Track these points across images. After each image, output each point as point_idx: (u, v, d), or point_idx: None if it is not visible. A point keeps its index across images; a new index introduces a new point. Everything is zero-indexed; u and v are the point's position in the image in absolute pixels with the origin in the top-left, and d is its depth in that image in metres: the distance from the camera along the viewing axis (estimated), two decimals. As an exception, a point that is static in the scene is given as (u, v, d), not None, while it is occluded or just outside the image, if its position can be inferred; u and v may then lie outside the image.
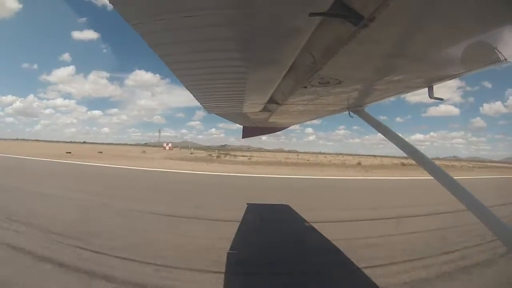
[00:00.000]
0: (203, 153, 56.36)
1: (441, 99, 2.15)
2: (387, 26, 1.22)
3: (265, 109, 3.41)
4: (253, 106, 3.23)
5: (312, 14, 1.13)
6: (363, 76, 2.04)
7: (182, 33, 1.34)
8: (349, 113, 3.16)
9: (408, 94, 2.53)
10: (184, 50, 1.55)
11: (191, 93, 2.44)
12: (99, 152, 44.68)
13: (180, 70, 1.88)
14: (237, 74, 1.95)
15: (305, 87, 2.23)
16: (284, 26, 1.27)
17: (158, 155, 43.46)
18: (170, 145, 71.89)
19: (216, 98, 2.77)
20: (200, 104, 3.02)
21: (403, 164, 40.60)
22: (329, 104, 3.08)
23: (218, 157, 44.34)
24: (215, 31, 1.32)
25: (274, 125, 5.54)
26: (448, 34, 1.33)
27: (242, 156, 52.71)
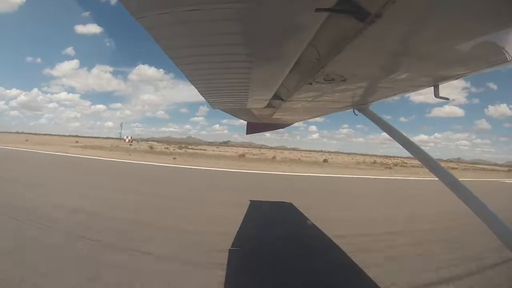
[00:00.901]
0: (144, 145, 59.34)
1: (447, 99, 2.13)
2: (394, 23, 1.21)
3: (269, 105, 3.41)
4: (257, 101, 3.23)
5: (318, 10, 1.12)
6: (368, 73, 2.02)
7: (188, 27, 1.34)
8: (353, 111, 3.14)
9: (413, 93, 2.50)
10: (189, 44, 1.55)
11: (195, 87, 2.45)
12: (26, 140, 52.59)
13: (185, 64, 1.88)
14: (242, 69, 1.95)
15: (310, 83, 2.22)
16: (290, 21, 1.26)
17: (88, 144, 48.81)
18: (129, 137, 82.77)
19: (221, 93, 2.78)
20: (205, 99, 3.02)
21: (324, 160, 42.80)
22: (333, 101, 3.07)
23: (152, 147, 48.84)
24: (221, 25, 1.31)
25: (278, 122, 5.53)
26: (455, 32, 1.31)
27: (199, 150, 56.85)
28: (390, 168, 34.55)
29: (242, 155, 42.29)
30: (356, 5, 1.13)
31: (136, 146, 54.08)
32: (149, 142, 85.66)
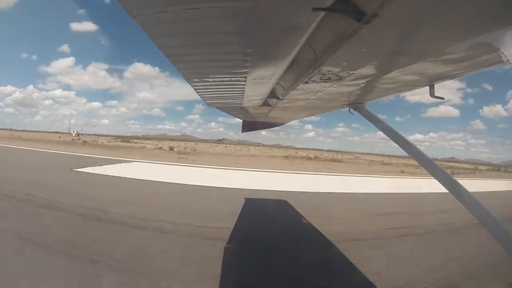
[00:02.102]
0: (68, 138, 63.53)
1: (442, 98, 2.15)
2: (390, 23, 1.21)
3: (265, 104, 3.40)
4: (253, 100, 3.22)
5: (315, 9, 1.12)
6: (364, 72, 2.03)
7: (184, 26, 1.33)
8: (349, 109, 3.15)
9: (408, 93, 2.52)
10: (185, 42, 1.54)
11: (191, 86, 2.43)
12: None
13: (181, 63, 1.87)
14: (238, 68, 1.94)
15: (306, 82, 2.22)
16: (287, 20, 1.26)
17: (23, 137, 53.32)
18: (76, 131, 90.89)
19: (217, 91, 2.76)
20: (200, 97, 3.00)
21: (225, 154, 43.54)
22: (329, 100, 3.07)
23: (74, 140, 52.93)
24: (217, 24, 1.30)
25: (274, 120, 5.53)
26: (450, 33, 1.32)
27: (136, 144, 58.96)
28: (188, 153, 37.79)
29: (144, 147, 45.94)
30: (352, 4, 1.13)
31: (74, 139, 58.38)
32: (94, 136, 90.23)
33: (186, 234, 6.07)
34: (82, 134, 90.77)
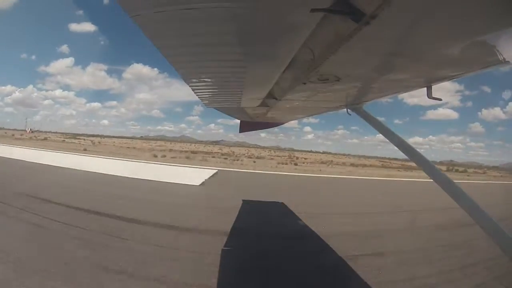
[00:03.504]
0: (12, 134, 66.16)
1: (440, 99, 2.15)
2: (389, 24, 1.21)
3: (263, 104, 3.40)
4: (251, 100, 3.21)
5: (314, 10, 1.12)
6: (362, 73, 2.03)
7: (182, 26, 1.32)
8: (347, 110, 3.16)
9: (407, 96, 2.53)
10: (184, 43, 1.53)
11: (189, 86, 2.42)
12: None
13: (178, 63, 1.87)
14: (236, 68, 1.94)
15: (304, 83, 2.22)
16: (285, 21, 1.25)
17: None
18: (30, 129, 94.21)
19: (215, 91, 2.76)
20: (198, 97, 3.00)
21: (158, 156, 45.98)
22: (327, 101, 3.08)
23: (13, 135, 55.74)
24: (216, 24, 1.30)
25: (272, 120, 5.52)
26: (448, 34, 1.32)
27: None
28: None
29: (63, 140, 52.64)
30: (351, 6, 1.13)
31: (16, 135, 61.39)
32: (47, 133, 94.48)
33: None
34: (36, 131, 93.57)
